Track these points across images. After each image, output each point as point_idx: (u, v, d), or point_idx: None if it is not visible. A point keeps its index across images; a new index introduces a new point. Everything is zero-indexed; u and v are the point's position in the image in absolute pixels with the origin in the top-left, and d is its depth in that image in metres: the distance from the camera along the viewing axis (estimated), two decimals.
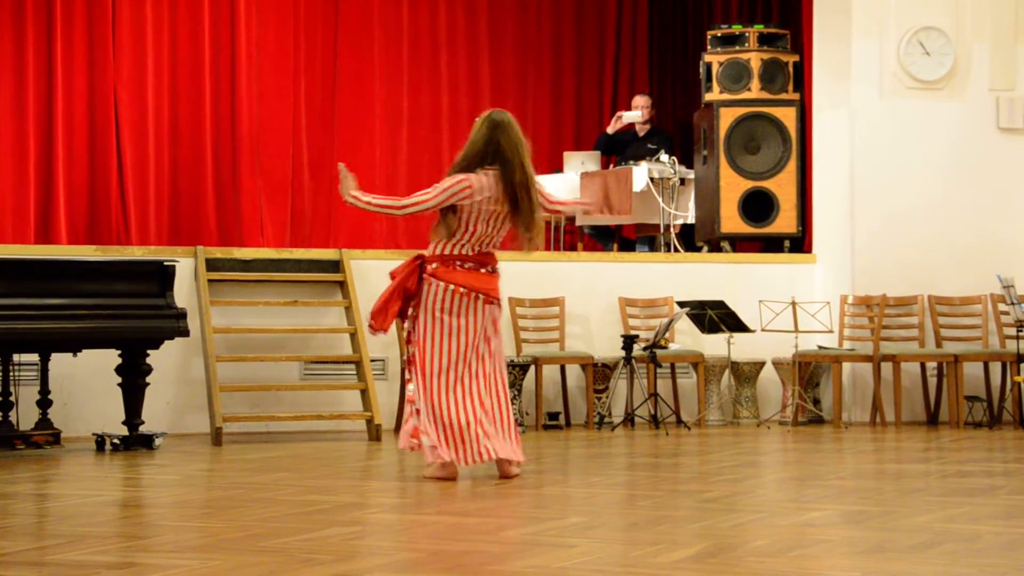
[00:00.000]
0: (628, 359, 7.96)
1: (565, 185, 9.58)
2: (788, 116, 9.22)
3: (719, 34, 9.41)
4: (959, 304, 8.61)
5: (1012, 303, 7.90)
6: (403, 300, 5.46)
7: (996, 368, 8.46)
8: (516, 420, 5.67)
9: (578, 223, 9.85)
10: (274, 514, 4.40)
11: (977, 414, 8.22)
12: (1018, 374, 8.00)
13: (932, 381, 8.55)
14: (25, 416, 7.01)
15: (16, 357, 7.01)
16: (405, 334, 5.61)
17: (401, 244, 9.79)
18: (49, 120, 9.20)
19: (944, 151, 8.71)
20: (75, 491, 5.31)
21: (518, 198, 5.39)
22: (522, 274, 8.11)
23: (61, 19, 9.20)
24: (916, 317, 8.56)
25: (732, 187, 9.19)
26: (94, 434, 7.09)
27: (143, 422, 7.05)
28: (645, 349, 8.02)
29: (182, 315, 7.04)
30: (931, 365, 8.52)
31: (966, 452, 6.67)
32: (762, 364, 8.57)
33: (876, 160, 8.69)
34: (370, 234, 9.86)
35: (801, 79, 9.33)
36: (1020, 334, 7.93)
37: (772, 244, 9.34)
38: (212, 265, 7.95)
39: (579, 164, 9.78)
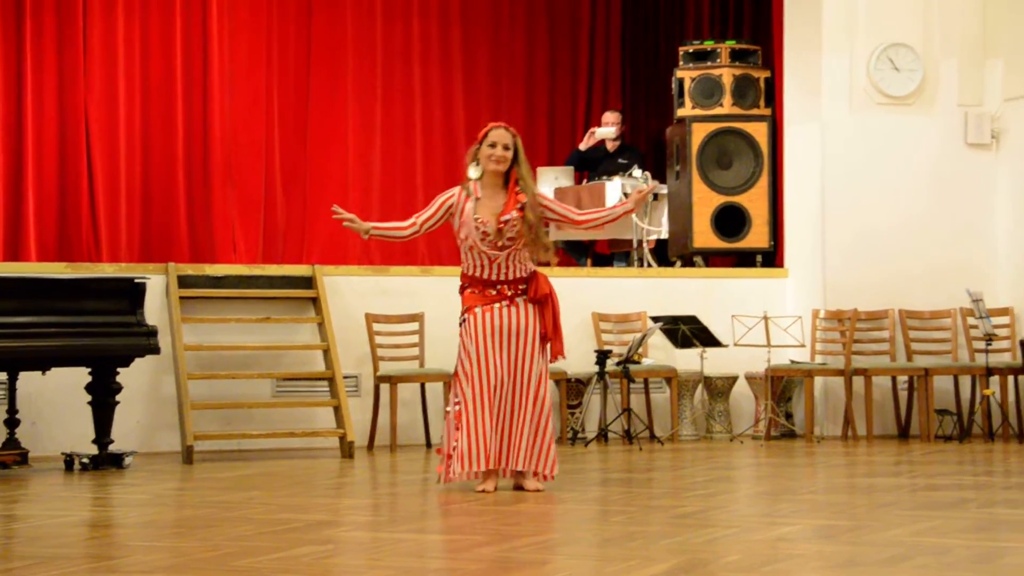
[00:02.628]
0: (601, 374, 7.97)
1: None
2: (760, 131, 9.26)
3: (691, 50, 9.45)
4: (929, 318, 8.66)
5: (981, 317, 7.96)
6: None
7: (966, 381, 8.51)
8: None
9: (552, 238, 9.84)
10: (246, 533, 4.37)
11: (947, 427, 8.27)
12: (987, 387, 8.05)
13: (903, 395, 8.59)
14: None
15: None
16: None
17: (375, 260, 9.76)
18: (19, 135, 9.14)
19: (913, 166, 8.78)
20: (43, 511, 5.26)
21: None
22: None
23: (31, 33, 9.14)
24: (887, 331, 8.61)
25: (705, 202, 9.22)
26: (63, 453, 7.03)
27: (113, 441, 6.99)
28: (618, 364, 8.03)
29: (153, 332, 7.00)
30: (902, 379, 8.57)
31: (937, 465, 6.70)
32: (735, 379, 8.60)
33: (846, 175, 8.74)
34: (343, 250, 9.82)
35: (772, 95, 9.38)
36: (989, 347, 7.99)
37: (744, 259, 9.37)
38: (183, 282, 7.91)
39: (553, 179, 9.80)
